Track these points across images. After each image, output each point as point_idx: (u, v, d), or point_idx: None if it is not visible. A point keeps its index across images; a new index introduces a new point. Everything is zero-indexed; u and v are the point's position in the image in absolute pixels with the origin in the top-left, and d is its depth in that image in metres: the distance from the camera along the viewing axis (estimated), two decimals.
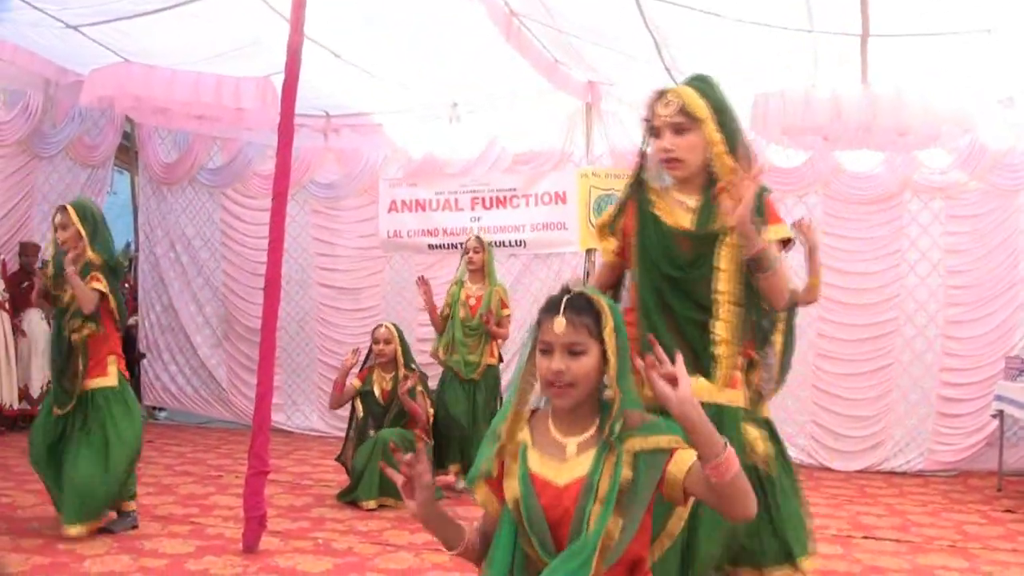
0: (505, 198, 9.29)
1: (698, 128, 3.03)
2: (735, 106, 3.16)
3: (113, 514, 5.49)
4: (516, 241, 9.27)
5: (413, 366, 6.84)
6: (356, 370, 6.91)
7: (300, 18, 5.26)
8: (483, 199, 9.44)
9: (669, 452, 2.18)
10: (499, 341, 7.30)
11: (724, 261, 3.03)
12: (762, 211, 3.02)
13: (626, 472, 2.17)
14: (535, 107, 9.01)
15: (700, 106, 3.03)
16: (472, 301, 7.11)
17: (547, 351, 2.24)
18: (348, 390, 6.88)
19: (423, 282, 7.21)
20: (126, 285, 10.19)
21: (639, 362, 2.12)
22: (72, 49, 7.94)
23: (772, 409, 8.43)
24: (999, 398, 7.52)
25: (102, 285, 5.30)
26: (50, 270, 5.45)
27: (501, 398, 7.19)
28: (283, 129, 5.18)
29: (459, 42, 7.63)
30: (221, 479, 7.21)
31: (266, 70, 7.66)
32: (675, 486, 2.18)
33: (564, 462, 2.26)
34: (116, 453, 5.26)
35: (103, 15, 7.20)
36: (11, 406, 8.90)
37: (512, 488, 2.26)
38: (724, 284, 3.02)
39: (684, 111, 3.03)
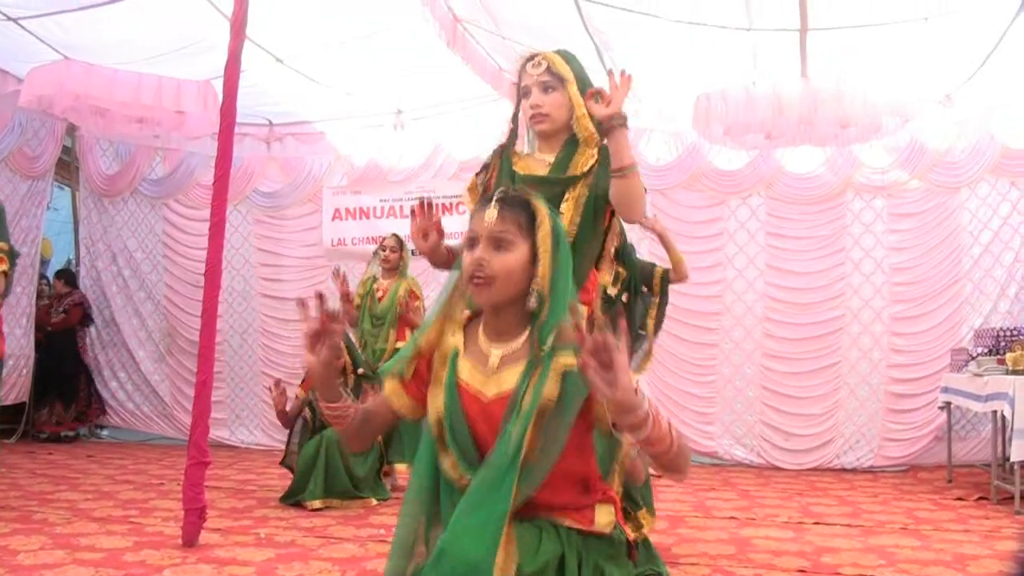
0: (451, 205, 9.24)
1: (563, 88, 3.27)
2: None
3: None
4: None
5: (361, 370, 6.73)
6: (296, 382, 6.85)
7: (242, 19, 5.17)
8: (440, 206, 9.38)
9: None
10: (410, 330, 7.22)
11: (567, 205, 3.21)
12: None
13: (550, 389, 2.04)
14: (480, 114, 8.99)
15: (566, 69, 3.28)
16: (380, 293, 7.09)
17: (473, 243, 2.14)
18: (295, 405, 6.78)
19: (337, 274, 7.12)
20: (71, 301, 9.99)
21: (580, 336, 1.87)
22: (11, 45, 7.76)
23: (720, 411, 8.60)
24: (945, 390, 7.56)
25: (6, 267, 5.41)
26: None
27: None
28: (225, 109, 5.07)
29: (403, 48, 7.59)
30: (162, 486, 7.03)
31: (208, 73, 7.57)
32: (604, 419, 2.03)
33: (490, 374, 2.15)
34: None
35: (45, 7, 7.06)
36: None
37: (437, 396, 2.16)
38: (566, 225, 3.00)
39: (551, 71, 3.27)
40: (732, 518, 6.07)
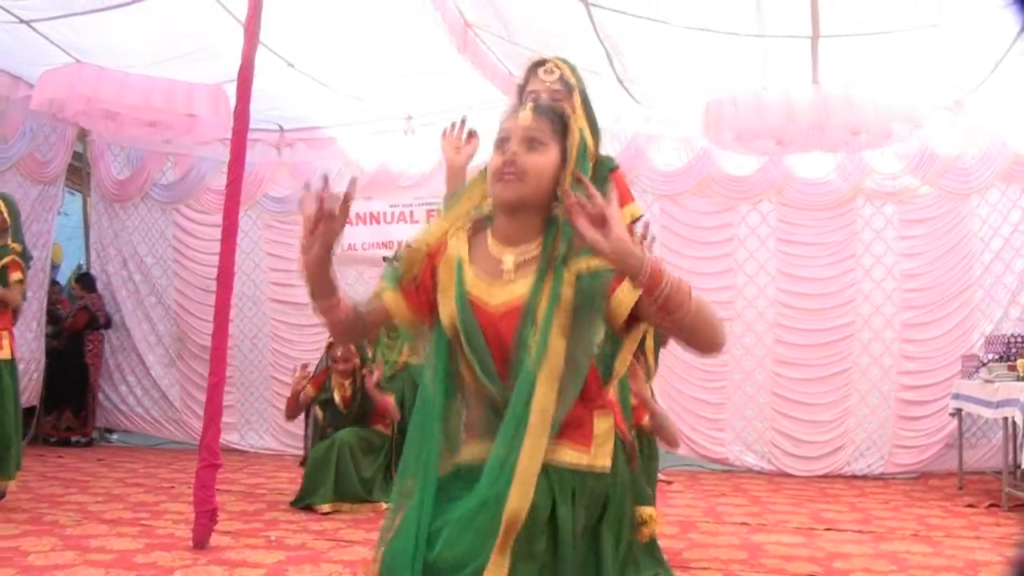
0: None
1: (570, 98, 3.21)
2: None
3: None
4: None
5: (370, 363, 6.73)
6: (307, 379, 6.82)
7: (255, 24, 5.19)
8: (438, 211, 9.37)
9: (615, 273, 2.00)
10: None
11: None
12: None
13: (567, 291, 2.02)
14: (490, 120, 8.97)
15: (577, 77, 3.29)
16: None
17: (504, 142, 2.09)
18: (303, 399, 6.78)
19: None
20: (79, 305, 10.01)
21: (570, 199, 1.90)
22: (23, 48, 7.80)
23: (731, 417, 8.58)
24: (956, 396, 7.54)
25: (21, 274, 5.79)
26: None
27: None
28: (238, 114, 5.08)
29: (414, 54, 7.61)
30: (173, 489, 7.04)
31: (219, 77, 7.60)
32: (622, 306, 2.00)
33: (498, 280, 2.10)
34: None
35: (58, 9, 7.10)
36: None
37: (448, 307, 2.11)
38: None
39: (563, 80, 3.25)
40: (743, 524, 6.06)
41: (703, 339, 2.00)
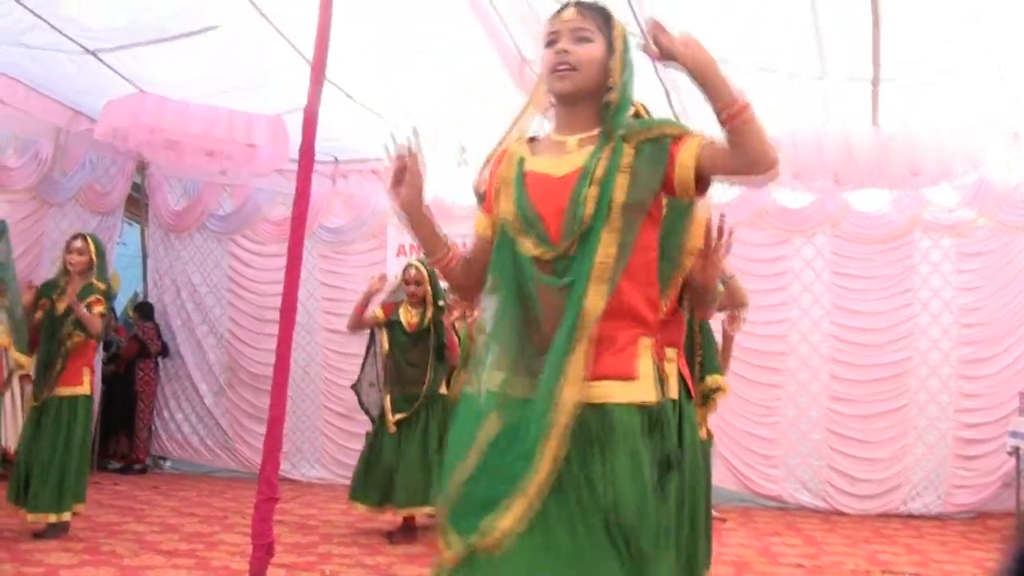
0: None
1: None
2: None
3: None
4: None
5: (441, 303, 6.70)
6: (380, 299, 6.88)
7: (322, 63, 5.24)
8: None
9: (673, 137, 2.13)
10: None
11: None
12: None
13: (627, 154, 2.13)
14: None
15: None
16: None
17: (553, 40, 2.23)
18: (368, 318, 6.76)
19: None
20: (131, 335, 10.16)
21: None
22: (86, 77, 7.97)
23: (785, 454, 8.48)
24: (1014, 434, 7.41)
25: (103, 307, 5.84)
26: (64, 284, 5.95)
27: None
28: (304, 150, 5.14)
29: (469, 86, 7.67)
30: (227, 519, 7.10)
31: (278, 107, 7.73)
32: (686, 168, 2.10)
33: (564, 155, 2.21)
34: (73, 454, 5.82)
35: (124, 39, 7.25)
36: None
37: (508, 195, 2.22)
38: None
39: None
40: (799, 565, 5.99)
41: (761, 148, 2.06)
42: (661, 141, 2.14)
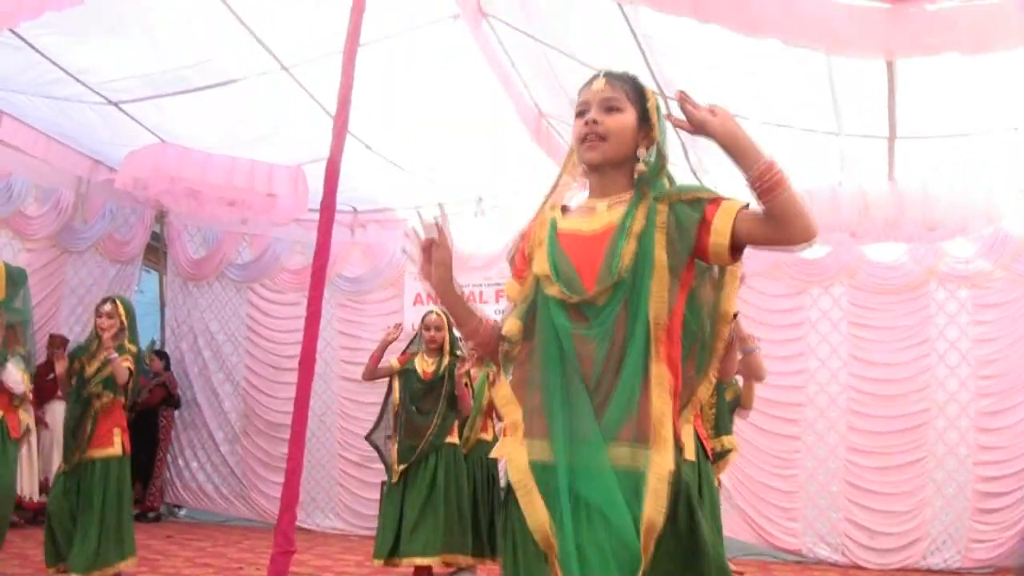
0: None
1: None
2: None
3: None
4: None
5: (459, 352, 6.64)
6: (395, 351, 6.85)
7: (344, 120, 5.32)
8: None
9: (708, 202, 2.15)
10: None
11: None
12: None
13: (661, 213, 2.16)
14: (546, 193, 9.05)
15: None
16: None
17: (584, 110, 2.27)
18: (384, 367, 6.71)
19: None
20: (156, 382, 10.20)
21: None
22: (108, 128, 8.10)
23: (804, 506, 8.42)
24: None
25: (132, 365, 5.79)
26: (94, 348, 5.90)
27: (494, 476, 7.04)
28: (325, 204, 5.21)
29: (486, 137, 7.75)
30: (242, 571, 7.08)
31: (298, 158, 7.83)
32: (721, 235, 2.12)
33: (595, 215, 2.26)
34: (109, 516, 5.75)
35: (145, 91, 7.36)
36: (31, 498, 8.82)
37: (541, 254, 2.26)
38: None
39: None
40: None
41: (800, 222, 2.12)
42: (696, 205, 2.16)
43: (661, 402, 2.07)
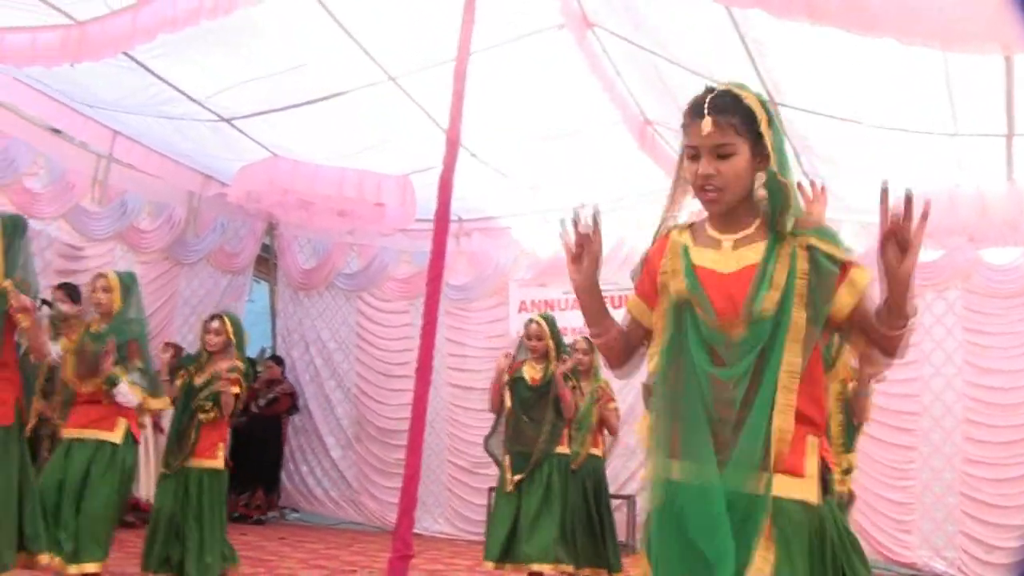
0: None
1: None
2: None
3: None
4: None
5: (564, 355, 6.64)
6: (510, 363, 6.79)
7: (457, 133, 5.40)
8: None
9: (842, 264, 2.12)
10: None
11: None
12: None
13: (803, 263, 2.12)
14: (663, 206, 9.00)
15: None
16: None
17: (695, 155, 2.18)
18: (502, 387, 6.75)
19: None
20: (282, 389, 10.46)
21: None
22: (222, 143, 8.35)
23: (919, 519, 8.19)
24: None
25: (239, 388, 5.83)
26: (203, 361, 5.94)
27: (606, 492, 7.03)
28: (439, 215, 5.29)
29: (590, 146, 7.76)
30: (355, 573, 7.18)
31: (405, 167, 7.98)
32: (843, 308, 2.12)
33: (725, 254, 2.21)
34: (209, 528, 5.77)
35: (255, 107, 7.57)
36: (148, 500, 9.08)
37: (677, 282, 2.23)
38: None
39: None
40: None
41: (898, 356, 2.14)
42: (833, 262, 2.13)
43: (782, 439, 2.08)
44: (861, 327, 2.13)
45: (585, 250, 2.32)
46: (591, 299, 2.37)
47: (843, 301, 2.12)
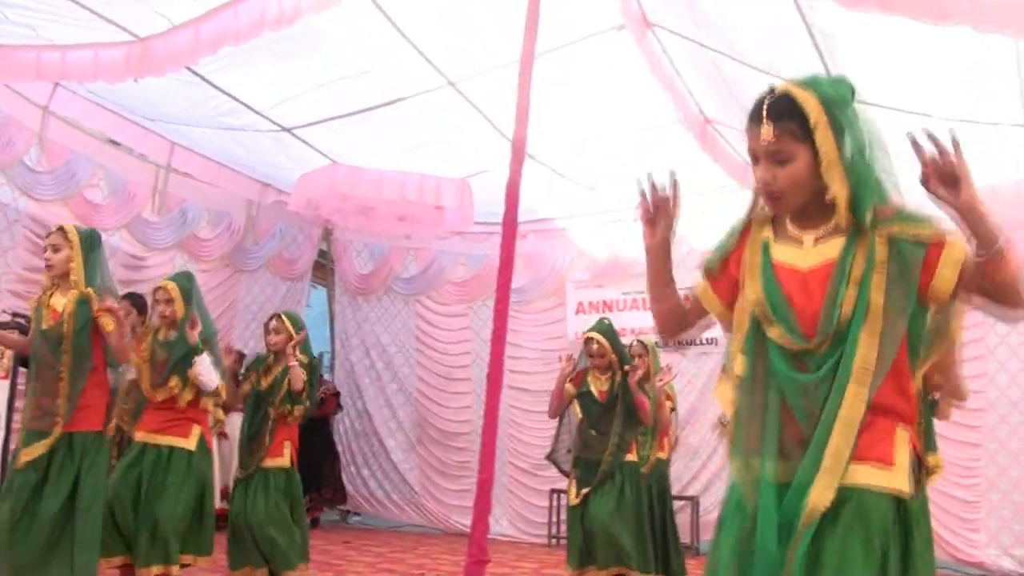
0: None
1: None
2: None
3: None
4: (707, 339, 9.11)
5: (626, 367, 6.58)
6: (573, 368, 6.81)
7: (522, 141, 5.42)
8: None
9: (930, 244, 2.08)
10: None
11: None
12: None
13: (881, 251, 2.09)
14: (722, 204, 8.98)
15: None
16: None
17: (755, 159, 2.19)
18: (566, 397, 6.77)
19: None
20: (327, 390, 10.53)
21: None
22: (282, 152, 8.44)
23: (986, 517, 8.08)
24: None
25: (305, 374, 5.97)
26: (271, 362, 6.09)
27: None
28: (507, 220, 5.32)
29: (648, 147, 7.73)
30: None
31: (462, 171, 8.02)
32: (947, 282, 2.07)
33: (804, 247, 2.20)
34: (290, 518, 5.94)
35: (314, 115, 7.67)
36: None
37: (754, 281, 2.22)
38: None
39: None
40: None
41: (1014, 299, 2.07)
42: (918, 245, 2.09)
43: (843, 439, 2.05)
44: (973, 287, 2.09)
45: (661, 213, 2.37)
46: (660, 264, 2.41)
47: (945, 277, 2.08)
